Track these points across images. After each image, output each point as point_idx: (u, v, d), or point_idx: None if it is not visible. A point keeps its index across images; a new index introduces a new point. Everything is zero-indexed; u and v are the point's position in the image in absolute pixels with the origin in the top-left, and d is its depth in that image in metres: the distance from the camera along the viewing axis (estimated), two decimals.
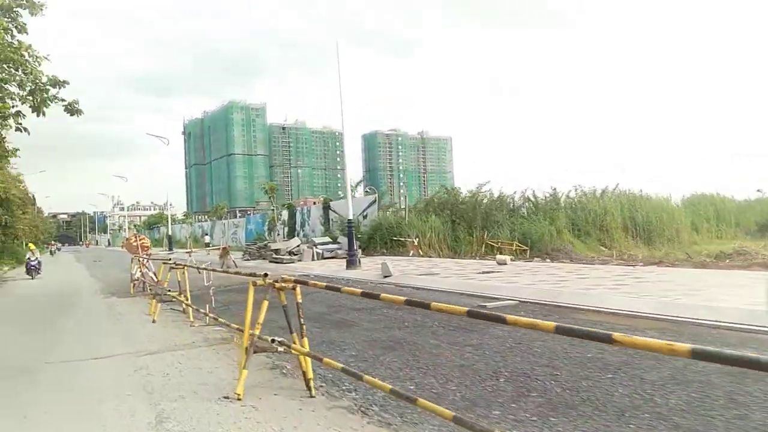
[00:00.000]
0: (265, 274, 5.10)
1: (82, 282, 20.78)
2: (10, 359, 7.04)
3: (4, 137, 13.00)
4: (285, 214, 37.12)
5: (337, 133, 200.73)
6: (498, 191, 25.62)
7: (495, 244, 22.15)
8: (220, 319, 8.19)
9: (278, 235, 32.29)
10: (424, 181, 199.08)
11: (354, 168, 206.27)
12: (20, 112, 11.73)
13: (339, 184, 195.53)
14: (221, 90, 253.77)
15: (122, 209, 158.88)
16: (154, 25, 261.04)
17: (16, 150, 15.43)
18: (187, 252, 24.03)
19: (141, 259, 15.37)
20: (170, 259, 11.50)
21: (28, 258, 23.48)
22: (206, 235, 51.43)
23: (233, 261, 23.87)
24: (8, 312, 12.59)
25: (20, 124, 11.61)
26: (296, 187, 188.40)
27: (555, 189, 26.48)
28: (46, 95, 11.66)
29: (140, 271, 15.36)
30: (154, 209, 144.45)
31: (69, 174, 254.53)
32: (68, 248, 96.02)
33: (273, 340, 4.76)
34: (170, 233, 49.39)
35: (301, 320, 4.86)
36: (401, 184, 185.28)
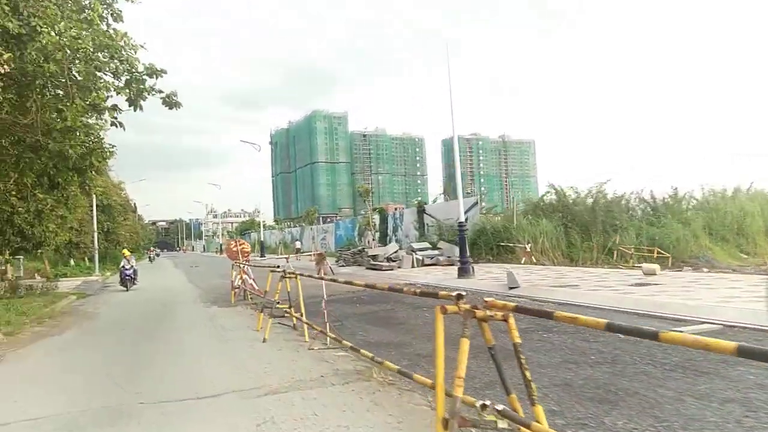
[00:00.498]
0: (459, 296, 3.23)
1: (180, 288, 20.10)
2: (97, 397, 5.57)
3: (103, 138, 12.14)
4: (376, 218, 35.68)
5: (416, 139, 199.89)
6: (612, 192, 22.79)
7: (626, 251, 19.41)
8: (344, 342, 6.49)
9: (372, 240, 30.79)
10: (505, 185, 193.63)
11: (434, 173, 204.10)
12: (117, 105, 10.61)
13: (419, 190, 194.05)
14: (305, 101, 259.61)
15: (215, 217, 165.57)
16: (245, 42, 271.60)
17: (113, 149, 14.60)
18: (283, 258, 22.90)
19: (241, 265, 14.17)
20: (279, 267, 9.98)
21: (122, 266, 20.04)
22: (297, 240, 51.05)
23: (330, 267, 22.55)
24: (104, 326, 11.61)
25: (115, 118, 10.50)
26: (377, 194, 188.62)
27: (676, 189, 23.30)
28: (142, 86, 10.50)
29: (240, 278, 14.16)
30: (245, 216, 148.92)
31: (168, 184, 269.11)
32: (166, 254, 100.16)
33: (485, 406, 2.90)
34: (262, 239, 49.32)
35: (526, 373, 2.98)
36: (482, 189, 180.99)
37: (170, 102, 11.42)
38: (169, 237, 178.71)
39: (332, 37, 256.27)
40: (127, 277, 19.52)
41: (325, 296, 9.85)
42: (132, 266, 19.94)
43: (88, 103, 9.89)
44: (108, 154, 15.41)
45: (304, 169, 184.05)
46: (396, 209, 48.77)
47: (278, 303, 9.34)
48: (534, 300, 11.21)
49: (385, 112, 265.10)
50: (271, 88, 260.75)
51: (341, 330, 9.13)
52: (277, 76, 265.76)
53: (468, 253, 16.02)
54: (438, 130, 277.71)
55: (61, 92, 10.45)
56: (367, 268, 22.55)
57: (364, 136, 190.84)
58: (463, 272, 15.47)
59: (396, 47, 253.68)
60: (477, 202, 24.48)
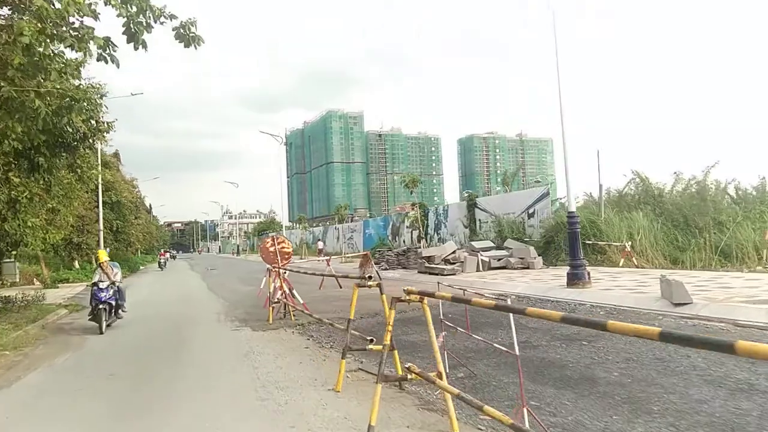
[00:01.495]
0: None
1: (198, 297, 16.20)
2: None
3: (90, 86, 8.38)
4: (411, 215, 31.67)
5: (432, 138, 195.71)
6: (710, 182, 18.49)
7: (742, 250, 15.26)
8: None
9: (421, 238, 26.70)
10: (523, 184, 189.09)
11: (450, 174, 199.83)
12: (109, 39, 6.70)
13: (435, 190, 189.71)
14: (320, 102, 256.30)
15: (231, 218, 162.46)
16: (260, 44, 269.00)
17: (112, 124, 10.78)
18: (324, 260, 18.97)
19: (281, 271, 10.23)
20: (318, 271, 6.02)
21: (95, 284, 10.29)
22: (319, 240, 47.14)
23: (376, 271, 18.58)
24: (86, 366, 7.65)
25: (110, 54, 6.56)
26: (392, 194, 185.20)
27: (764, 178, 18.94)
28: (148, 12, 6.67)
29: (282, 290, 10.23)
30: (260, 217, 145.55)
31: (183, 187, 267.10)
32: (182, 255, 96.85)
33: None
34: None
35: None
36: (498, 189, 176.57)
37: (186, 36, 7.54)
38: (185, 239, 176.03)
39: (349, 38, 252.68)
40: (101, 306, 10.03)
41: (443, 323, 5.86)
42: (113, 284, 10.41)
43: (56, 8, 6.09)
44: (103, 125, 11.59)
45: (319, 170, 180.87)
46: (401, 209, 45.23)
47: (369, 341, 5.37)
48: (741, 326, 7.13)
49: (401, 111, 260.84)
50: (287, 91, 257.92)
51: (484, 391, 5.13)
52: (292, 78, 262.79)
53: (581, 254, 11.87)
54: (454, 130, 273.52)
55: None
56: (420, 272, 18.53)
57: (380, 135, 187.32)
58: (575, 279, 11.36)
59: (410, 48, 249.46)
60: (547, 192, 20.34)
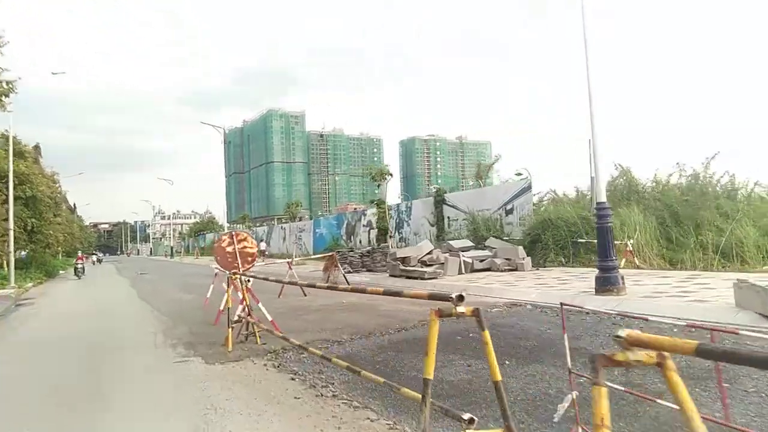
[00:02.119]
0: None
1: (128, 311, 12.99)
2: None
3: None
4: (369, 213, 29.19)
5: (374, 140, 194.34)
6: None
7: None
8: None
9: (392, 237, 24.16)
10: (462, 187, 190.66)
11: (392, 174, 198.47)
12: None
13: (376, 191, 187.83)
14: (261, 102, 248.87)
15: (163, 218, 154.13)
16: (198, 42, 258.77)
17: (12, 84, 7.87)
18: (287, 262, 16.22)
19: (243, 279, 7.47)
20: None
21: None
22: (261, 241, 43.81)
23: (344, 275, 15.95)
24: None
25: None
26: (334, 195, 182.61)
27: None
28: None
29: (244, 305, 7.50)
30: (195, 217, 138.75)
31: (114, 186, 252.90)
32: (109, 258, 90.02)
33: None
34: None
35: None
36: (471, 184, 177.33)
37: None
38: (113, 240, 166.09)
39: (291, 38, 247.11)
40: None
41: None
42: None
43: None
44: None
45: (258, 170, 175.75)
46: (345, 209, 42.43)
47: (468, 422, 2.84)
48: None
49: (344, 113, 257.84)
50: (226, 89, 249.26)
51: None
52: (231, 77, 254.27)
53: (614, 254, 9.72)
54: (396, 131, 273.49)
55: None
56: (393, 275, 16.04)
57: (322, 136, 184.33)
58: (607, 284, 9.18)
59: (354, 51, 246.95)
60: (529, 186, 18.32)
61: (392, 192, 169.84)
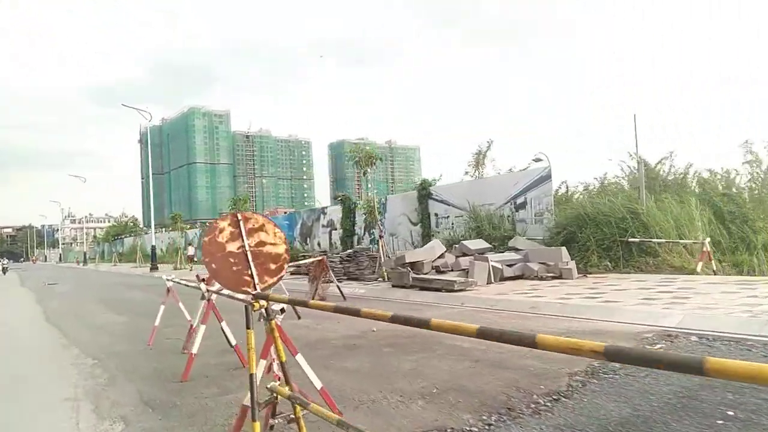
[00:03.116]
0: None
1: (27, 350, 8.42)
2: None
3: None
4: (330, 211, 25.19)
5: (303, 142, 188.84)
6: None
7: None
8: None
9: (382, 237, 20.19)
10: (392, 190, 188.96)
11: (321, 179, 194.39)
12: None
13: (305, 194, 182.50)
14: (180, 101, 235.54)
15: (73, 222, 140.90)
16: (110, 36, 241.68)
17: None
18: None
19: (267, 307, 3.54)
20: None
21: None
22: (190, 245, 38.70)
23: (338, 287, 11.98)
24: None
25: None
26: (261, 198, 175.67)
27: None
28: None
29: (273, 359, 3.58)
30: (109, 221, 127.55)
31: (16, 189, 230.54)
32: (12, 265, 79.60)
33: None
34: (153, 242, 35.92)
35: None
36: (369, 194, 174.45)
37: None
38: (17, 246, 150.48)
39: (211, 33, 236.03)
40: None
41: None
42: None
43: None
44: None
45: (179, 171, 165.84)
46: (274, 212, 38.10)
47: None
48: None
49: (271, 114, 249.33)
50: (142, 86, 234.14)
51: None
52: (147, 72, 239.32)
53: None
54: (326, 134, 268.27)
55: None
56: (398, 286, 12.25)
57: (248, 136, 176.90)
58: None
59: (281, 49, 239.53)
60: (548, 175, 15.07)
61: (322, 195, 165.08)
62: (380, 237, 15.07)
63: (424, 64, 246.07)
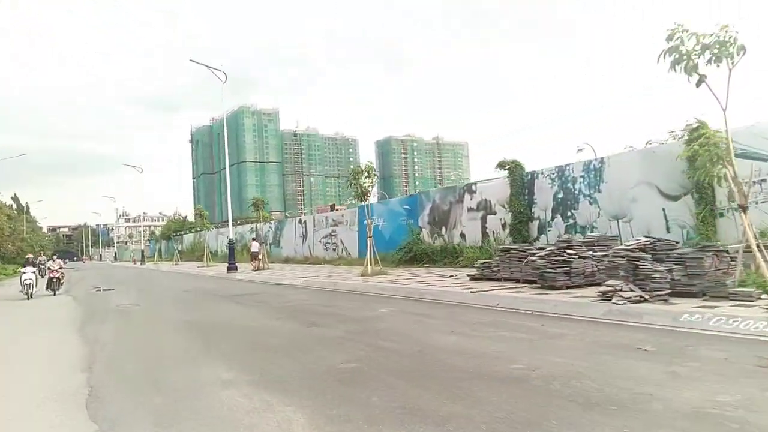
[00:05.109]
0: None
1: None
2: None
3: None
4: (484, 188, 17.65)
5: (350, 140, 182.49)
6: None
7: None
8: None
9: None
10: (439, 185, 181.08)
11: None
12: None
13: (353, 193, 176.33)
14: (227, 104, 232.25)
15: (128, 221, 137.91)
16: (161, 45, 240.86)
17: None
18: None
19: None
20: None
21: None
22: (253, 240, 31.75)
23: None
24: None
25: None
26: (308, 196, 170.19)
27: None
28: None
29: None
30: (163, 220, 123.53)
31: (75, 193, 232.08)
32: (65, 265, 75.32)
33: None
34: (231, 235, 29.00)
35: None
36: (417, 192, 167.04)
37: None
38: (72, 245, 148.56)
39: (256, 39, 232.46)
40: None
41: None
42: None
43: None
44: None
45: (230, 170, 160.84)
46: (319, 211, 31.73)
47: None
48: None
49: (318, 114, 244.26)
50: (188, 91, 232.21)
51: None
52: (193, 78, 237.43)
53: None
54: (371, 132, 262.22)
55: None
56: (653, 300, 4.64)
57: (296, 135, 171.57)
58: None
59: (323, 51, 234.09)
60: None
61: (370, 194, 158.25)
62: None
63: (465, 62, 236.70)
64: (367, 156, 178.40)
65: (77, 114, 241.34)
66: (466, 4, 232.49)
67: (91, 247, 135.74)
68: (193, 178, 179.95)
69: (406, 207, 20.80)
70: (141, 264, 48.30)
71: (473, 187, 17.83)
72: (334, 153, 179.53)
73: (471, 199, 17.76)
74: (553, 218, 14.83)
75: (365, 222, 23.87)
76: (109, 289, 17.99)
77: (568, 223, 14.33)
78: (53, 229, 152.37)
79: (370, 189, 16.32)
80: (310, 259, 27.26)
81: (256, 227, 38.01)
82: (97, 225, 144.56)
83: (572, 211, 14.27)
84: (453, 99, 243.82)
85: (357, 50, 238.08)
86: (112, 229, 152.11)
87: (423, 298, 10.22)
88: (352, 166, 14.89)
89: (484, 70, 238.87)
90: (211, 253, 35.98)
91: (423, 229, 19.67)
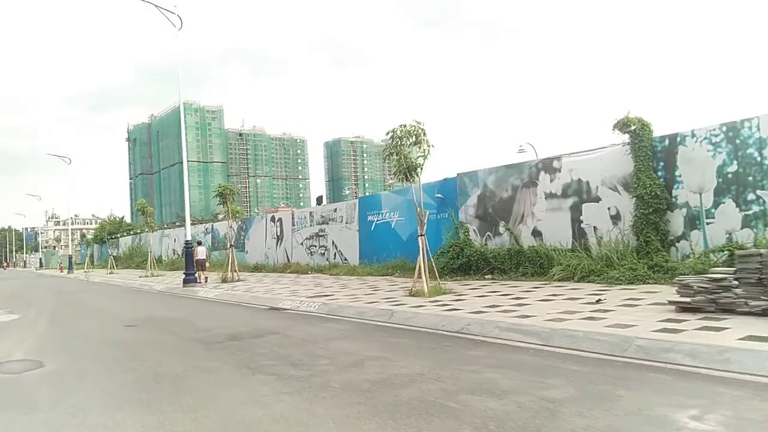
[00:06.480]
0: None
1: None
2: None
3: None
4: (570, 163, 12.20)
5: (298, 140, 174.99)
6: None
7: None
8: None
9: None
10: (389, 188, 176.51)
11: (317, 177, 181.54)
12: None
13: (301, 194, 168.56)
14: (166, 100, 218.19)
15: (57, 223, 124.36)
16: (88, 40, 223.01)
17: None
18: None
19: None
20: None
21: None
22: (199, 244, 25.48)
23: None
24: None
25: None
26: (255, 198, 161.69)
27: None
28: None
29: None
30: (95, 222, 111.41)
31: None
32: None
33: None
34: (188, 237, 21.68)
35: None
36: (367, 193, 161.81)
37: None
38: None
39: (198, 34, 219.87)
40: None
41: None
42: None
43: None
44: None
45: (170, 170, 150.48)
46: (275, 211, 26.19)
47: None
48: None
49: (264, 112, 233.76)
50: (126, 88, 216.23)
51: None
52: (130, 75, 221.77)
53: None
54: (321, 132, 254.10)
55: None
56: None
57: (241, 134, 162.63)
58: None
59: (272, 48, 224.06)
60: None
61: (315, 196, 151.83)
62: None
63: (413, 62, 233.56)
64: (316, 157, 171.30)
65: (8, 109, 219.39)
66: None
67: (16, 252, 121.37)
68: (130, 178, 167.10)
69: (439, 196, 14.99)
70: (69, 273, 39.96)
71: (555, 162, 12.26)
72: (281, 153, 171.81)
73: (551, 181, 12.22)
74: (716, 205, 9.49)
75: (369, 217, 17.99)
76: (4, 318, 11.14)
77: (750, 212, 9.03)
78: None
79: (421, 162, 10.38)
80: (290, 266, 20.98)
81: (212, 227, 31.15)
82: (24, 228, 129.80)
83: (758, 192, 8.98)
84: (404, 99, 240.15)
85: (304, 47, 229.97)
86: (41, 232, 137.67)
87: (665, 364, 4.47)
88: (388, 132, 8.73)
89: (436, 67, 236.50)
90: (155, 259, 28.83)
91: (471, 226, 13.95)
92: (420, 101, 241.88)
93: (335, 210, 20.19)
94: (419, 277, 9.99)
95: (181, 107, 20.83)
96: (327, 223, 20.21)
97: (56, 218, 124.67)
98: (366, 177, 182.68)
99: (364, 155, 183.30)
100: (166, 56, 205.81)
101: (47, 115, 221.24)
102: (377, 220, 17.58)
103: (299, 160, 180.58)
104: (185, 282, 17.35)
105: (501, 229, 13.23)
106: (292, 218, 22.70)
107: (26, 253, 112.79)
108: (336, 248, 19.59)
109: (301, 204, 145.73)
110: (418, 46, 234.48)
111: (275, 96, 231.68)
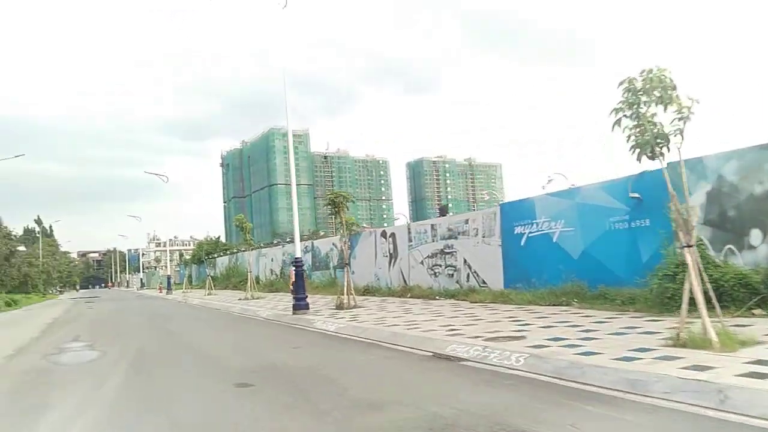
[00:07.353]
0: None
1: None
2: None
3: None
4: None
5: (381, 162, 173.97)
6: None
7: None
8: None
9: None
10: (473, 209, 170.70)
11: (400, 198, 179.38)
12: None
13: (384, 215, 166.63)
14: (256, 128, 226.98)
15: (158, 245, 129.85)
16: (187, 71, 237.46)
17: None
18: None
19: None
20: None
21: None
22: (295, 264, 22.17)
23: None
24: None
25: None
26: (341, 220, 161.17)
27: None
28: None
29: None
30: (193, 244, 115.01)
31: (105, 217, 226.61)
32: (83, 293, 66.42)
33: None
34: (298, 254, 18.51)
35: None
36: (451, 214, 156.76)
37: None
38: (102, 271, 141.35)
39: (282, 63, 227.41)
40: None
41: None
42: None
43: None
44: None
45: (260, 193, 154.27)
46: (374, 230, 23.03)
47: None
48: None
49: (348, 135, 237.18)
50: (215, 117, 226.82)
51: None
52: (220, 105, 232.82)
53: None
54: (403, 153, 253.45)
55: None
56: None
57: (326, 157, 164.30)
58: None
59: (351, 76, 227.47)
60: None
61: (401, 216, 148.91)
62: None
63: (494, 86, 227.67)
64: (399, 178, 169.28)
65: (112, 143, 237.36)
66: (487, 25, 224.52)
67: (120, 273, 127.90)
68: (224, 202, 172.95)
69: (635, 196, 10.76)
70: (167, 293, 38.95)
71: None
72: (365, 175, 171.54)
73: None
74: None
75: (516, 229, 14.02)
76: (80, 356, 8.31)
77: None
78: (83, 255, 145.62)
79: (680, 127, 6.31)
80: (411, 289, 17.38)
81: (312, 245, 28.39)
82: (128, 250, 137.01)
83: None
84: (484, 120, 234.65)
85: (382, 73, 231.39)
86: (143, 253, 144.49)
87: None
88: (621, 82, 4.20)
89: (512, 89, 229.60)
90: (255, 280, 26.41)
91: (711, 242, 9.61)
92: (500, 123, 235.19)
93: (466, 221, 16.40)
94: (687, 314, 5.91)
95: (290, 135, 18.12)
96: (456, 238, 16.45)
97: (157, 239, 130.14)
98: (450, 197, 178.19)
99: (447, 174, 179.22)
100: (252, 92, 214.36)
101: (149, 145, 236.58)
102: (529, 233, 13.57)
103: (382, 181, 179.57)
104: (295, 308, 14.18)
105: (754, 241, 8.84)
106: (408, 232, 19.19)
107: (129, 273, 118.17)
108: (469, 268, 15.74)
109: (385, 225, 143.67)
110: (489, 72, 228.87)
111: (354, 123, 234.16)
